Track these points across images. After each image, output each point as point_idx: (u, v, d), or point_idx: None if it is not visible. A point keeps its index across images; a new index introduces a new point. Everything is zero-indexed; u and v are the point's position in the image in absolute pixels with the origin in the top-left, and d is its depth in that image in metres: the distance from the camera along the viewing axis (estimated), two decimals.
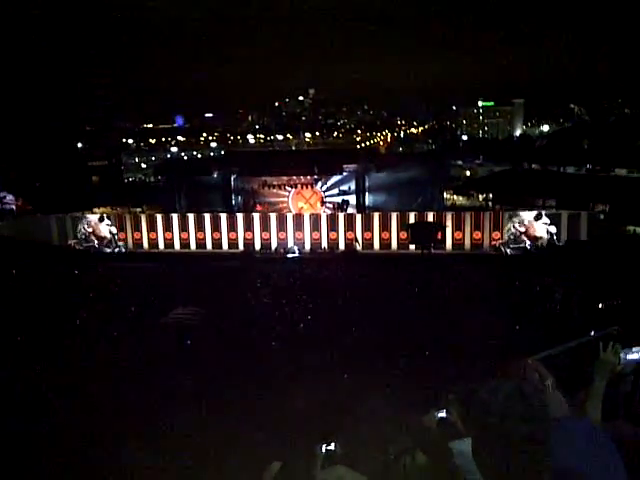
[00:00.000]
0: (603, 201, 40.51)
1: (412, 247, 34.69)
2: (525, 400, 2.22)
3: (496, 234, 35.50)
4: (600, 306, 14.64)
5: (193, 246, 38.63)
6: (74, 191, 49.21)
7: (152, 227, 39.13)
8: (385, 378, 8.57)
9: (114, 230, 38.90)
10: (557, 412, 2.57)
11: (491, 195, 51.44)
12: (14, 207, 46.66)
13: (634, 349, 3.18)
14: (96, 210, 43.86)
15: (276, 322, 17.04)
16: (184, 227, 38.69)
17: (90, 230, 38.70)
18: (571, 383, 3.25)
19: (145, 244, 39.12)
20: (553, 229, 34.14)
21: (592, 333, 3.70)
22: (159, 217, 39.46)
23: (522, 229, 34.64)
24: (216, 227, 38.36)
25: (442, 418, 3.37)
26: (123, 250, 38.49)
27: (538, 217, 34.51)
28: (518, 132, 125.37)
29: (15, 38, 75.82)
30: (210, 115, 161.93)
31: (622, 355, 3.09)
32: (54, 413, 9.80)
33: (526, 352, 3.28)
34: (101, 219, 39.09)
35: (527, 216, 34.86)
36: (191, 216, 38.80)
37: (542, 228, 34.41)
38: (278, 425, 7.37)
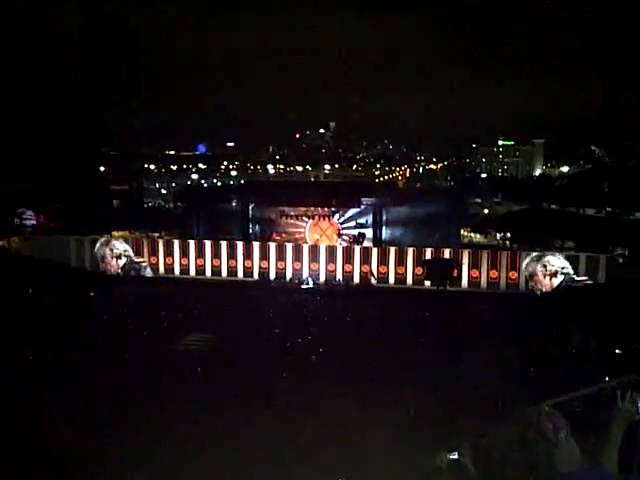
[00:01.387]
0: (622, 244, 40.07)
1: (427, 283, 34.49)
2: (528, 448, 2.17)
3: (513, 274, 35.19)
4: (618, 352, 14.39)
5: (208, 273, 38.72)
6: (95, 214, 49.73)
7: (169, 252, 39.35)
8: (397, 415, 8.46)
9: (128, 252, 38.97)
10: (570, 464, 2.50)
11: (509, 234, 51.16)
12: (35, 222, 47.16)
13: None
14: (115, 234, 44.26)
15: (288, 354, 16.97)
16: (200, 253, 38.86)
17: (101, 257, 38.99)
18: (586, 431, 3.19)
19: (161, 269, 39.29)
20: (567, 269, 33.62)
21: (608, 379, 3.63)
22: (176, 242, 39.72)
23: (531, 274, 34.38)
24: (232, 255, 38.48)
25: (453, 460, 3.31)
26: (148, 273, 38.50)
27: (539, 258, 34.19)
28: (538, 172, 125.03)
29: (42, 61, 77.61)
30: (232, 144, 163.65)
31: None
32: (61, 436, 9.79)
33: (540, 397, 3.23)
34: (107, 243, 39.13)
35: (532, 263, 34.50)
36: (208, 242, 39.00)
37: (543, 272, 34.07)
38: (287, 458, 7.28)
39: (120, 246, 39.17)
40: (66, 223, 45.53)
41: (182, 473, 8.06)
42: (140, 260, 38.77)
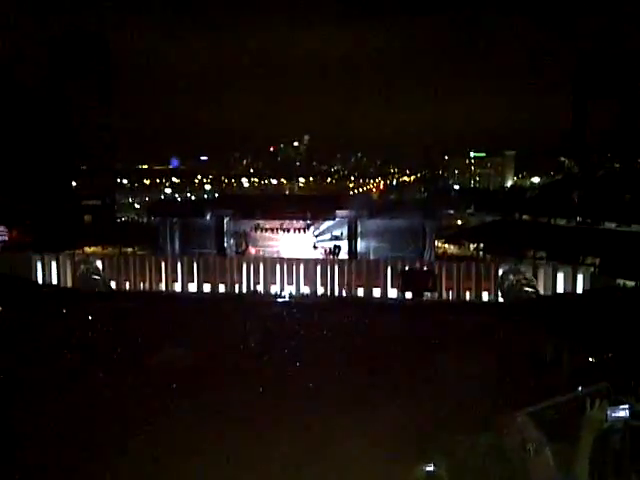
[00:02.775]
0: (593, 254, 40.68)
1: (403, 294, 34.70)
2: (503, 458, 2.19)
3: (486, 284, 35.59)
4: (590, 360, 14.59)
5: (181, 288, 38.43)
6: (67, 229, 49.01)
7: (142, 268, 38.95)
8: (372, 427, 8.45)
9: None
10: (544, 474, 2.53)
11: (482, 245, 51.62)
12: (6, 238, 46.40)
13: (621, 406, 3.16)
14: (87, 249, 43.67)
15: (264, 367, 16.86)
16: (174, 268, 38.55)
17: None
18: (559, 440, 3.23)
19: (135, 284, 38.89)
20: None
21: (580, 389, 3.68)
22: (150, 258, 39.36)
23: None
24: (207, 269, 38.24)
25: (429, 472, 3.33)
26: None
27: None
28: (509, 183, 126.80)
29: (15, 78, 76.84)
30: (205, 158, 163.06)
31: (609, 412, 3.08)
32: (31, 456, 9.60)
33: (513, 406, 3.26)
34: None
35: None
36: (182, 258, 38.77)
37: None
38: (263, 474, 7.22)
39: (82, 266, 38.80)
40: (38, 239, 44.86)
41: None
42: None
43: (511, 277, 34.73)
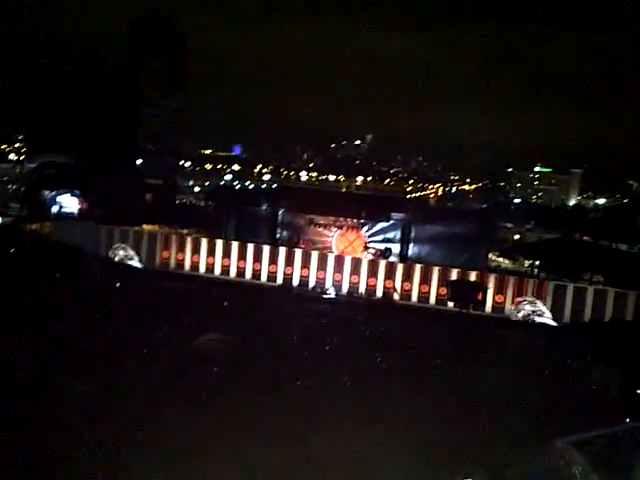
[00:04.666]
0: None
1: (451, 304, 34.23)
2: None
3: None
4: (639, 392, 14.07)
5: (233, 274, 38.90)
6: (127, 206, 50.30)
7: (196, 250, 39.65)
8: (411, 441, 8.33)
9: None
10: None
11: (538, 262, 50.36)
12: (75, 211, 47.99)
13: None
14: (145, 227, 44.71)
15: (304, 362, 16.92)
16: (227, 254, 39.06)
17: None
18: (607, 470, 3.12)
19: (187, 266, 39.61)
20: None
21: (629, 421, 3.54)
22: (204, 241, 39.98)
23: None
24: (258, 258, 38.58)
25: None
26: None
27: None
28: (572, 202, 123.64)
29: (92, 58, 79.84)
30: (267, 148, 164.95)
31: None
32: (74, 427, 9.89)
33: (558, 432, 3.16)
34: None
35: None
36: (235, 244, 39.20)
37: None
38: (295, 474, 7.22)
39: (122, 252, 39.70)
40: (103, 212, 46.20)
41: None
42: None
43: (527, 307, 33.85)
